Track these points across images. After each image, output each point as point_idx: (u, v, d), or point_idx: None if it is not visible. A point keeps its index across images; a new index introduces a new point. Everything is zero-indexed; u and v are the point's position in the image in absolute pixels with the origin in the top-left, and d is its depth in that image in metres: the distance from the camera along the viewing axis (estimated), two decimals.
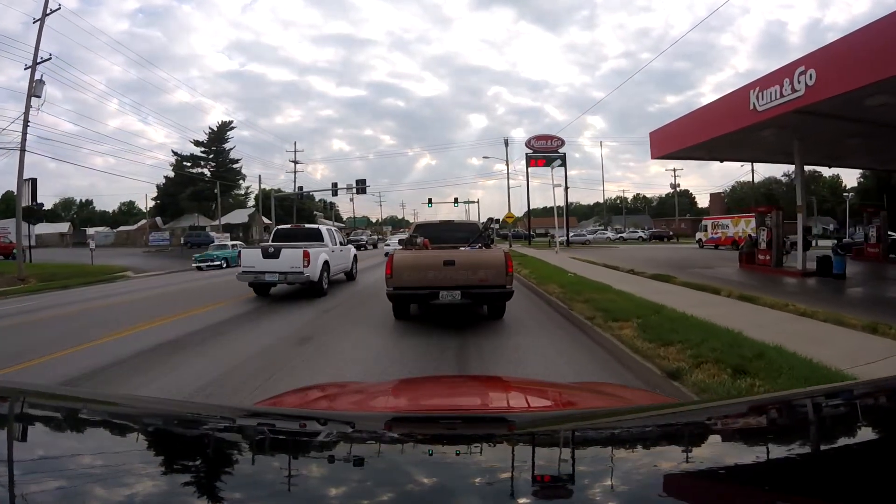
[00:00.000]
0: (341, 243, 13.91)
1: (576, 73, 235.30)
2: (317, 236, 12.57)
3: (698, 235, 38.87)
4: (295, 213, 44.39)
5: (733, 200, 79.61)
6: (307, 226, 14.70)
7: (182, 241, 42.58)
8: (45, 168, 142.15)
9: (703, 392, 3.76)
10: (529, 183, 38.35)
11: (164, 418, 0.98)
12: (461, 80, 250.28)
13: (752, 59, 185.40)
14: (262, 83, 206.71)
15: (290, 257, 10.58)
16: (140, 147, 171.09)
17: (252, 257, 10.98)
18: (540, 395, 1.96)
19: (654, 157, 18.31)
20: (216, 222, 52.54)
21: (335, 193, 36.19)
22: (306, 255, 10.60)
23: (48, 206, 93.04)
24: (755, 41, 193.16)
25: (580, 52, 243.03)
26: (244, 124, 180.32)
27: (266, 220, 57.12)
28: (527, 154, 37.63)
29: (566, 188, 35.17)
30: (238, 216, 58.15)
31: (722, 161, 19.59)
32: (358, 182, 33.98)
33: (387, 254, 12.85)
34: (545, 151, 36.77)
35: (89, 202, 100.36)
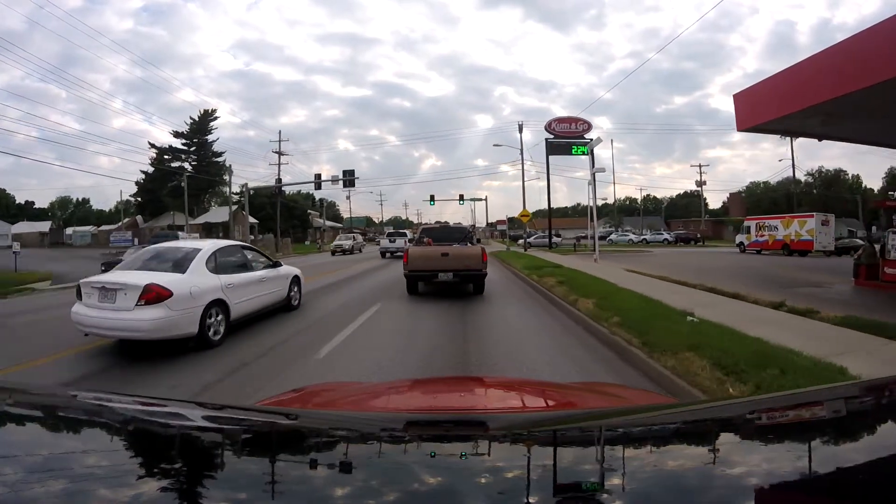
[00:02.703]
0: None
1: (583, 73, 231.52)
2: (404, 235, 28.32)
3: (739, 238, 34.33)
4: (279, 209, 39.18)
5: (751, 201, 75.55)
6: (401, 230, 34.01)
7: (149, 242, 37.81)
8: (49, 167, 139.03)
9: None
10: (549, 178, 32.67)
11: (164, 418, 0.96)
12: (467, 80, 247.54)
13: (760, 59, 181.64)
14: (267, 83, 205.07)
15: (399, 242, 26.16)
16: (141, 148, 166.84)
17: (385, 242, 28.28)
18: (542, 395, 1.90)
19: (741, 128, 13.24)
20: (195, 221, 47.67)
21: (318, 186, 31.13)
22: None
23: (42, 204, 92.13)
24: (764, 41, 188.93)
25: (587, 52, 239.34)
26: (249, 124, 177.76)
27: (252, 219, 52.30)
28: (546, 140, 31.74)
29: (593, 182, 29.77)
30: (219, 214, 53.09)
31: (820, 139, 14.48)
32: (345, 173, 28.80)
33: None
34: (569, 136, 30.91)
35: (86, 201, 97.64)
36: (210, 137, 52.57)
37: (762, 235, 31.90)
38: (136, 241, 30.74)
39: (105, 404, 1.00)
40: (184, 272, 6.10)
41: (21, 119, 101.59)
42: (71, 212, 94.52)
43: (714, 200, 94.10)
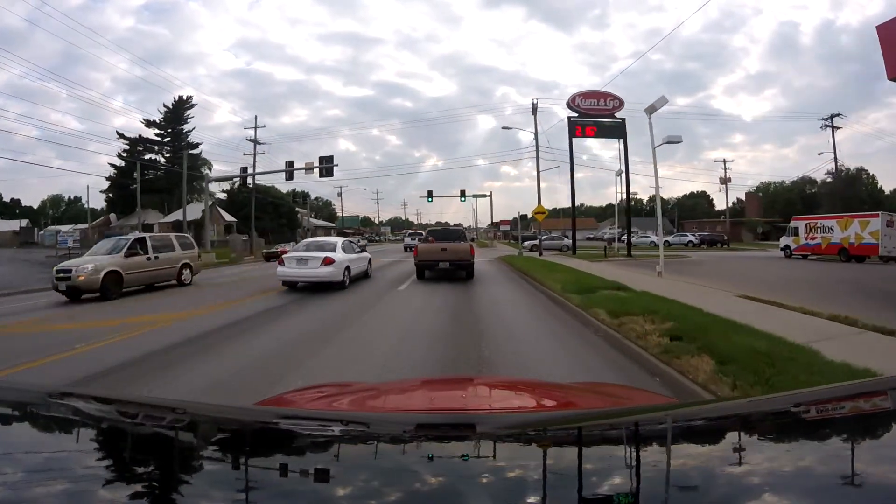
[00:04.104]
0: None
1: (586, 73, 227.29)
2: (421, 234, 27.62)
3: (784, 241, 29.75)
4: (253, 205, 34.23)
5: (765, 201, 71.89)
6: (416, 230, 50.34)
7: (104, 237, 33.07)
8: (46, 165, 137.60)
9: None
10: (572, 165, 27.16)
11: (162, 418, 0.96)
12: (469, 80, 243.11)
13: (764, 60, 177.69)
14: (268, 82, 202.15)
15: (417, 241, 23.63)
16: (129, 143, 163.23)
17: (408, 240, 38.33)
18: (545, 395, 1.88)
19: (894, 74, 8.43)
20: (166, 219, 42.86)
21: (290, 176, 26.27)
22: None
23: (33, 203, 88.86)
24: (767, 42, 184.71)
25: (590, 52, 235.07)
26: (251, 123, 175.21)
27: (228, 217, 47.51)
28: (569, 118, 26.13)
29: (623, 173, 24.59)
30: (193, 211, 48.27)
31: None
32: (322, 160, 23.91)
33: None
34: (597, 115, 25.69)
35: (78, 199, 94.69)
36: (186, 127, 47.81)
37: (813, 238, 27.59)
38: (70, 241, 26.17)
39: (99, 405, 1.00)
40: (334, 251, 13.19)
41: (18, 118, 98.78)
42: (63, 210, 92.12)
43: (721, 201, 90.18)
